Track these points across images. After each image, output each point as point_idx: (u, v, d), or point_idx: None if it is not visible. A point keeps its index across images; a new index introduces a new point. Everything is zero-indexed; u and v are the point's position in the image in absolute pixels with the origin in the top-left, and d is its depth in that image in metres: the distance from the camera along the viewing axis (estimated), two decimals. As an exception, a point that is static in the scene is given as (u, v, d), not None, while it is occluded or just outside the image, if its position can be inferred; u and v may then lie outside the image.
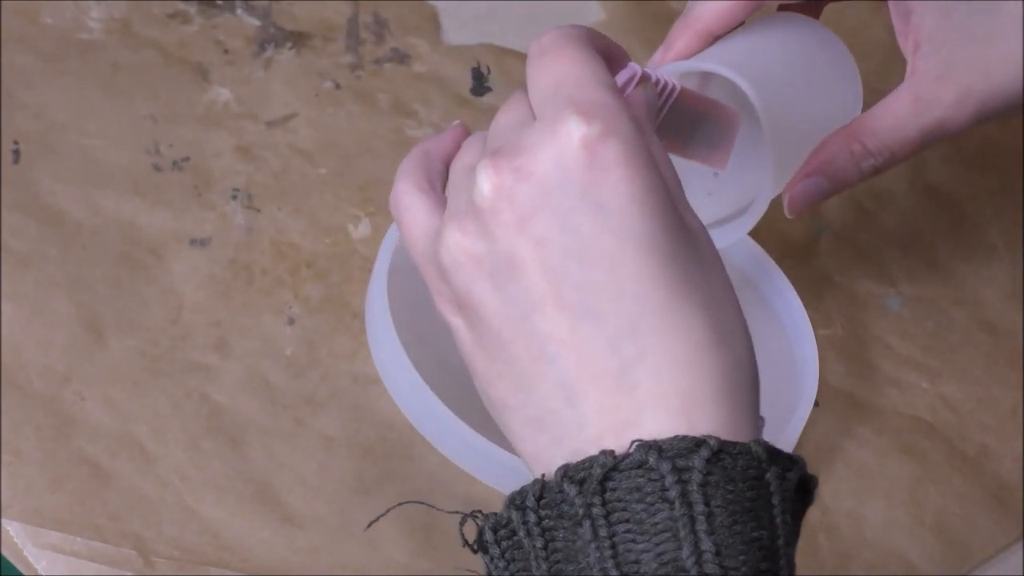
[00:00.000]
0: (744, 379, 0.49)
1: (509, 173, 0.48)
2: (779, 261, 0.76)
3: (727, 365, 0.48)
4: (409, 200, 0.54)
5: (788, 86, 0.63)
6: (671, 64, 0.62)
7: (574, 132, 0.48)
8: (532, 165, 0.48)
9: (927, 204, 0.84)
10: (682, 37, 0.64)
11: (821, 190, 0.64)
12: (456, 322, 0.51)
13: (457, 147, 0.56)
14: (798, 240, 0.80)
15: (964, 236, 0.83)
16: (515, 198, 0.48)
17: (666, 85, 0.57)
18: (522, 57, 0.83)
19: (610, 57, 0.53)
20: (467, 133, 0.57)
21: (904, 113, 0.62)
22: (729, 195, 0.68)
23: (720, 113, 0.59)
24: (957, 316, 0.79)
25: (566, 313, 0.48)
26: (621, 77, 0.54)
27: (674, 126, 0.59)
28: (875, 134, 0.63)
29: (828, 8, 0.70)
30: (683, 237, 0.49)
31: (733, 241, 0.66)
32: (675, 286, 0.48)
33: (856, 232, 0.81)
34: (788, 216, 0.64)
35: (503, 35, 0.84)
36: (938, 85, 0.62)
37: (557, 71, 0.50)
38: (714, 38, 0.63)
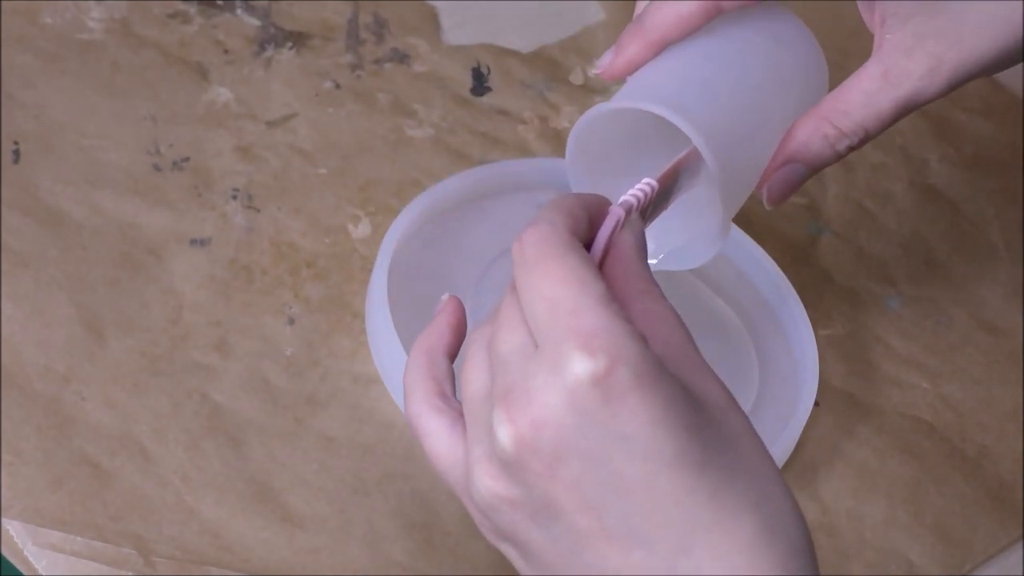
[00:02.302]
0: (798, 555, 0.49)
1: (527, 426, 0.48)
2: (779, 261, 0.76)
3: (782, 553, 0.48)
4: (427, 424, 0.53)
5: (741, 103, 0.62)
6: (626, 99, 0.61)
7: (581, 371, 0.47)
8: (547, 414, 0.48)
9: (927, 204, 0.84)
10: (635, 43, 0.63)
11: (799, 176, 0.63)
12: (507, 549, 0.51)
13: (456, 334, 0.55)
14: (798, 240, 0.80)
15: (964, 236, 0.83)
16: (538, 448, 0.48)
17: (646, 195, 0.56)
18: (522, 57, 0.83)
19: (592, 213, 0.52)
20: (461, 308, 0.55)
21: (874, 89, 0.61)
22: (699, 210, 0.67)
23: (686, 162, 0.59)
24: (957, 316, 0.79)
25: (616, 544, 0.48)
26: (605, 229, 0.52)
27: (656, 205, 0.58)
28: (847, 114, 0.62)
29: (829, 11, 0.69)
30: (712, 434, 0.48)
31: (705, 261, 0.66)
32: (717, 491, 0.48)
33: (856, 232, 0.81)
34: (768, 207, 0.63)
35: (503, 35, 0.84)
36: (907, 58, 0.61)
37: (547, 292, 0.49)
38: (667, 44, 0.63)
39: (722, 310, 0.75)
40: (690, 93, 0.61)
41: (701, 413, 0.49)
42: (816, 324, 0.74)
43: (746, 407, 0.71)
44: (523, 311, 0.50)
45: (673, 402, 0.48)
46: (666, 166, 0.58)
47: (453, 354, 0.55)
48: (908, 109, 0.62)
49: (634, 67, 0.63)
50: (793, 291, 0.74)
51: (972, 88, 0.89)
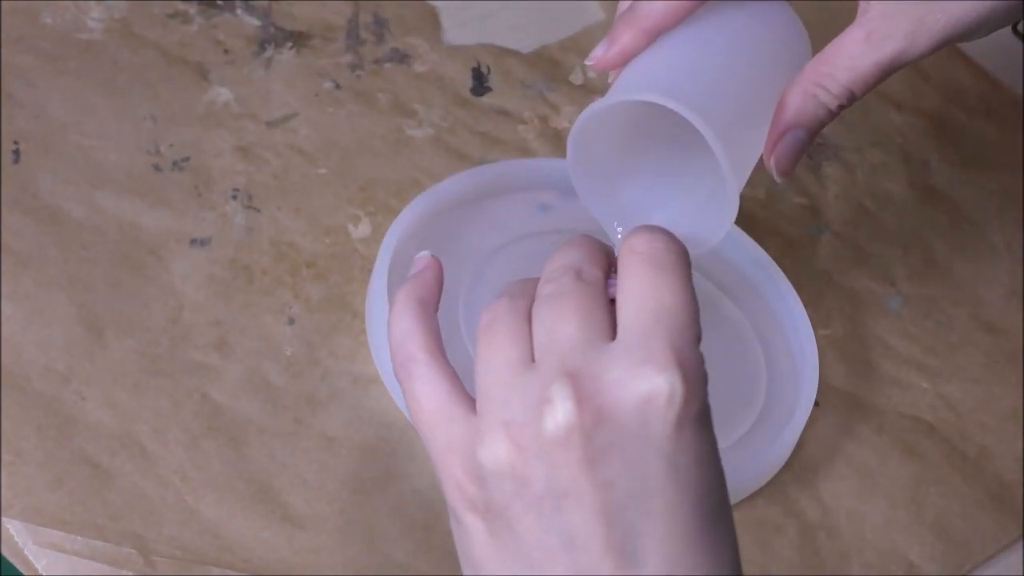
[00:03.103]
0: None
1: (591, 412, 0.48)
2: (779, 261, 0.76)
3: None
4: (422, 372, 0.52)
5: (735, 84, 0.63)
6: (618, 93, 0.61)
7: (664, 388, 0.48)
8: (616, 409, 0.48)
9: (927, 204, 0.84)
10: (628, 33, 0.63)
11: (801, 141, 0.63)
12: (472, 520, 0.50)
13: (439, 291, 0.55)
14: (798, 240, 0.80)
15: (964, 236, 0.83)
16: (591, 438, 0.48)
17: None
18: (522, 57, 0.83)
19: None
20: (441, 266, 0.55)
21: (857, 52, 0.62)
22: (702, 191, 0.67)
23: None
24: (957, 316, 0.79)
25: (612, 554, 0.48)
26: None
27: None
28: (832, 76, 0.62)
29: (831, 12, 0.69)
30: (724, 489, 0.50)
31: (716, 242, 0.66)
32: (717, 544, 0.49)
33: (856, 232, 0.81)
34: (778, 179, 0.63)
35: (503, 35, 0.84)
36: (889, 20, 0.61)
37: (664, 293, 0.49)
38: (659, 33, 0.63)
39: (733, 313, 0.75)
40: (683, 78, 0.61)
41: (722, 470, 0.50)
42: (816, 324, 0.74)
43: (755, 409, 0.72)
44: (607, 304, 0.50)
45: (714, 448, 0.49)
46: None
47: (436, 310, 0.54)
48: (891, 70, 0.62)
49: (627, 57, 0.63)
50: (793, 291, 0.74)
51: (972, 88, 0.89)
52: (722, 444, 0.70)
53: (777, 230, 0.80)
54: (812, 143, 0.64)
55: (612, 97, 0.60)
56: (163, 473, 0.65)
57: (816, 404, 0.72)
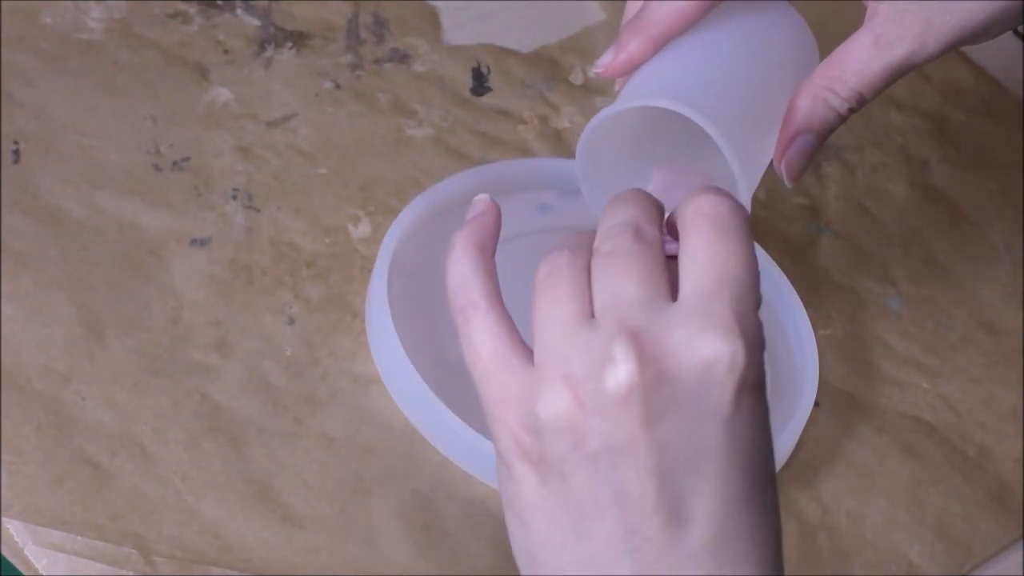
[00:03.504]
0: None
1: (652, 373, 0.48)
2: (779, 261, 0.76)
3: None
4: (483, 319, 0.52)
5: (744, 89, 0.63)
6: (630, 99, 0.61)
7: (726, 354, 0.48)
8: (677, 371, 0.48)
9: (927, 204, 0.84)
10: (635, 40, 0.63)
11: (811, 146, 0.63)
12: (524, 470, 0.50)
13: (497, 236, 0.55)
14: (798, 240, 0.80)
15: (964, 236, 0.83)
16: (651, 399, 0.48)
17: None
18: (522, 57, 0.83)
19: None
20: (498, 209, 0.56)
21: (866, 56, 0.62)
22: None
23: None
24: (957, 316, 0.79)
25: (661, 513, 0.48)
26: None
27: None
28: (842, 80, 0.62)
29: (835, 14, 0.69)
30: (772, 455, 0.50)
31: None
32: (763, 512, 0.49)
33: (856, 232, 0.81)
34: (789, 184, 0.64)
35: (503, 35, 0.84)
36: (898, 24, 0.61)
37: (729, 257, 0.50)
38: (667, 40, 0.63)
39: None
40: (693, 84, 0.61)
41: (771, 436, 0.51)
42: (816, 324, 0.74)
43: None
44: (666, 264, 0.50)
45: (768, 418, 0.50)
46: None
47: (494, 254, 0.54)
48: (900, 73, 0.63)
49: (635, 65, 0.63)
50: (793, 291, 0.74)
51: (972, 88, 0.89)
52: None
53: (777, 230, 0.80)
54: (822, 147, 0.64)
55: (623, 103, 0.60)
56: (163, 473, 0.65)
57: (816, 404, 0.72)
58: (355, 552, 0.65)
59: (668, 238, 0.53)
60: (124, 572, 0.62)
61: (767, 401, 0.50)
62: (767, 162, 0.64)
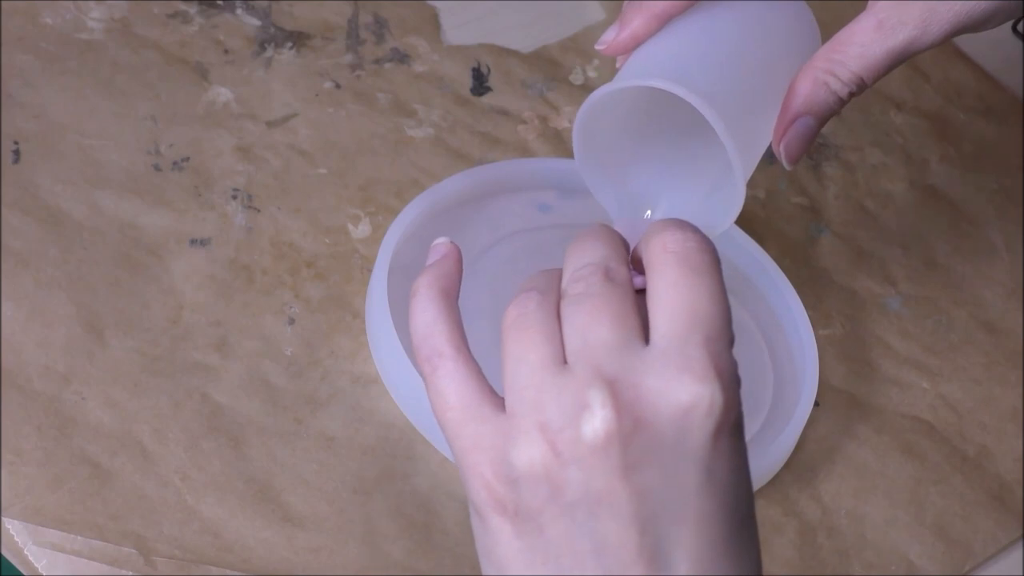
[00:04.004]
0: None
1: (630, 421, 0.47)
2: (779, 261, 0.76)
3: None
4: (449, 368, 0.51)
5: (742, 69, 0.63)
6: (626, 78, 0.61)
7: (704, 398, 0.48)
8: (654, 418, 0.48)
9: (927, 204, 0.84)
10: (638, 17, 0.63)
11: (810, 129, 0.63)
12: (499, 522, 0.49)
13: (459, 280, 0.54)
14: (798, 240, 0.80)
15: (964, 236, 0.83)
16: (629, 446, 0.47)
17: None
18: (522, 57, 0.83)
19: None
20: (459, 253, 0.54)
21: (868, 40, 0.62)
22: (710, 178, 0.67)
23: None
24: (957, 316, 0.79)
25: (643, 562, 0.48)
26: None
27: None
28: (843, 64, 0.62)
29: (836, 11, 0.69)
30: (751, 493, 0.50)
31: (725, 229, 0.66)
32: (744, 551, 0.49)
33: (856, 232, 0.81)
34: (788, 167, 0.63)
35: (503, 35, 0.84)
36: (901, 9, 0.61)
37: (700, 298, 0.49)
38: (670, 18, 0.63)
39: (739, 316, 0.75)
40: (691, 65, 0.61)
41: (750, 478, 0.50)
42: (816, 324, 0.74)
43: (763, 411, 0.71)
44: (636, 304, 0.49)
45: (746, 456, 0.50)
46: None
47: (457, 299, 0.54)
48: (902, 58, 0.62)
49: (637, 41, 0.63)
50: (793, 291, 0.74)
51: (972, 88, 0.89)
52: None
53: (777, 230, 0.80)
54: (821, 130, 0.64)
55: (620, 82, 0.60)
56: (163, 473, 0.65)
57: (816, 404, 0.72)
58: (355, 552, 0.65)
59: (634, 272, 0.52)
60: (124, 572, 0.62)
61: (745, 443, 0.50)
62: (766, 144, 0.64)
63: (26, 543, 0.62)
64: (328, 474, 0.66)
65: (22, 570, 0.62)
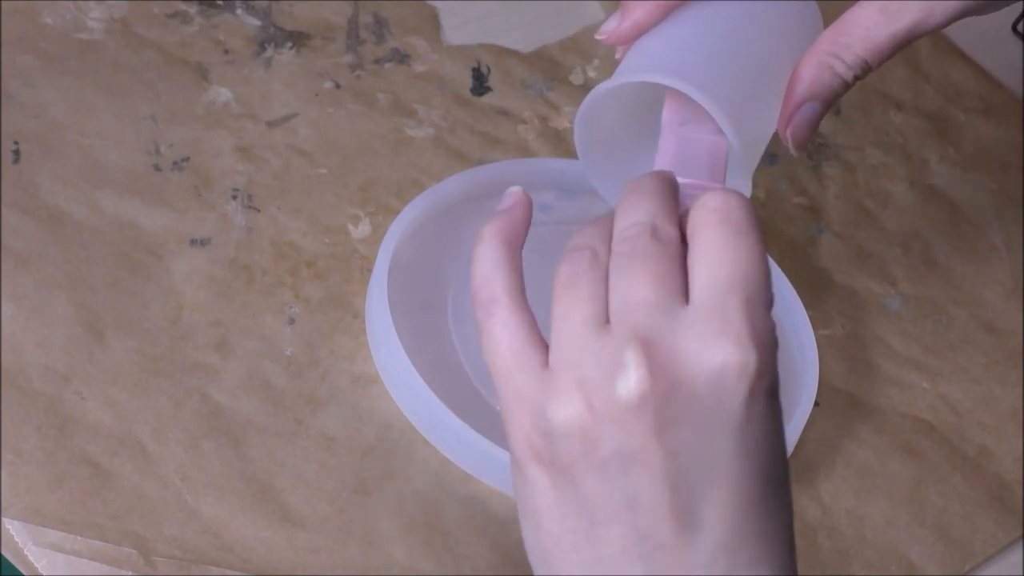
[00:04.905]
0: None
1: (663, 381, 0.48)
2: (779, 261, 0.76)
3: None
4: (507, 317, 0.51)
5: (744, 59, 0.63)
6: (626, 73, 0.61)
7: (738, 361, 0.48)
8: (689, 379, 0.48)
9: (927, 204, 0.84)
10: (640, 7, 0.63)
11: (816, 113, 0.63)
12: (536, 472, 0.50)
13: (526, 231, 0.54)
14: (798, 240, 0.80)
15: (964, 236, 0.83)
16: (663, 407, 0.48)
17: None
18: (522, 57, 0.83)
19: None
20: (530, 202, 0.55)
21: (873, 23, 0.61)
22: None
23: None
24: (957, 316, 0.79)
25: (674, 520, 0.48)
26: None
27: None
28: (848, 47, 0.62)
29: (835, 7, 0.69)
30: (785, 456, 0.50)
31: None
32: (776, 513, 0.49)
33: (856, 232, 0.81)
34: (794, 152, 0.63)
35: (503, 35, 0.84)
36: None
37: (734, 263, 0.49)
38: (671, 8, 0.63)
39: None
40: (693, 56, 0.61)
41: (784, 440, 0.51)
42: (816, 324, 0.74)
43: None
44: (682, 263, 0.49)
45: (781, 423, 0.50)
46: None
47: (521, 248, 0.54)
48: (906, 41, 0.62)
49: (639, 31, 0.63)
50: (793, 291, 0.74)
51: (972, 88, 0.89)
52: None
53: (777, 230, 0.80)
54: (825, 114, 0.63)
55: (620, 77, 0.60)
56: (163, 473, 0.65)
57: (816, 404, 0.72)
58: (355, 552, 0.65)
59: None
60: (124, 572, 0.62)
61: (780, 406, 0.50)
62: (771, 133, 0.64)
63: (26, 543, 0.62)
64: (328, 474, 0.66)
65: (22, 570, 0.62)
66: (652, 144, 0.64)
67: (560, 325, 0.50)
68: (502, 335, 0.51)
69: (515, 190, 0.56)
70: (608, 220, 0.53)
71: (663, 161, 0.60)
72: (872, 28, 0.61)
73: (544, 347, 0.51)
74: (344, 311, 0.71)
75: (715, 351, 0.48)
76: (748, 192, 0.63)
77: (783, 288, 0.75)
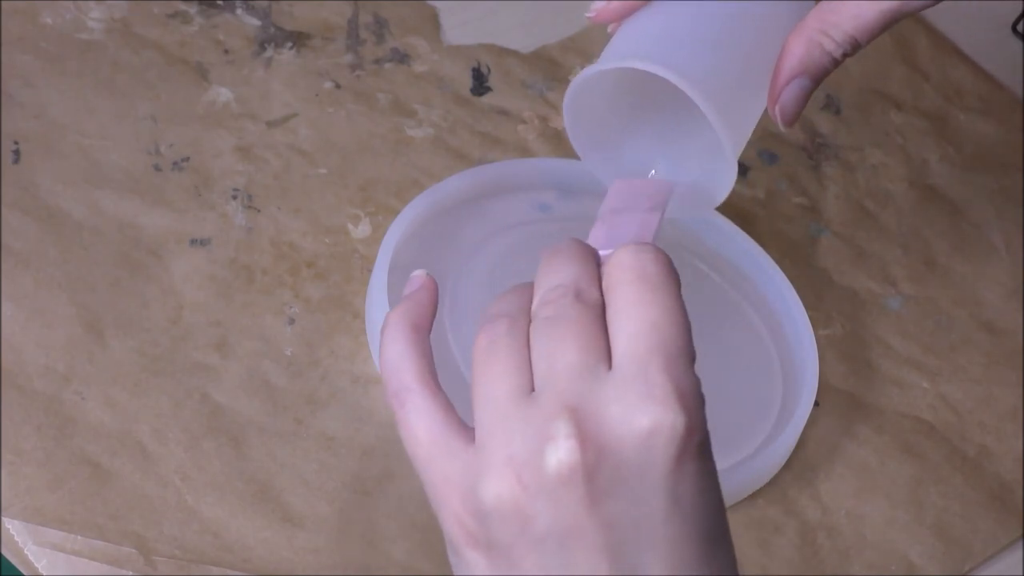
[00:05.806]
0: None
1: (592, 450, 0.47)
2: (779, 261, 0.76)
3: None
4: (419, 403, 0.51)
5: (729, 38, 0.62)
6: (610, 59, 0.61)
7: (666, 423, 0.47)
8: (618, 446, 0.47)
9: (927, 204, 0.84)
10: None
11: (805, 90, 0.62)
12: (473, 556, 0.49)
13: (433, 315, 0.53)
14: (798, 240, 0.80)
15: (964, 236, 0.83)
16: (594, 477, 0.47)
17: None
18: (522, 57, 0.83)
19: None
20: (437, 289, 0.54)
21: (861, 1, 0.61)
22: (705, 147, 0.67)
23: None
24: (957, 316, 0.79)
25: None
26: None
27: None
28: (837, 25, 0.61)
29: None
30: (723, 512, 0.50)
31: (719, 203, 0.65)
32: (717, 570, 0.49)
33: (856, 232, 0.81)
34: (783, 128, 0.63)
35: (503, 35, 0.84)
36: None
37: (658, 316, 0.49)
38: None
39: (750, 317, 0.75)
40: (678, 41, 0.61)
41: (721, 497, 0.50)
42: (816, 324, 0.74)
43: (772, 411, 0.71)
44: (604, 324, 0.49)
45: (716, 480, 0.49)
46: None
47: (429, 332, 0.53)
48: (895, 19, 0.62)
49: (628, 10, 0.63)
50: (793, 291, 0.74)
51: (972, 88, 0.89)
52: (737, 448, 0.70)
53: (777, 230, 0.80)
54: (814, 90, 0.63)
55: (605, 63, 0.61)
56: (163, 473, 0.65)
57: (816, 404, 0.72)
58: (355, 552, 0.65)
59: None
60: (124, 572, 0.62)
61: (713, 461, 0.49)
62: (759, 112, 0.64)
63: (26, 543, 0.62)
64: (328, 474, 0.66)
65: (22, 570, 0.62)
66: (643, 122, 0.64)
67: (482, 399, 0.49)
68: (418, 423, 0.50)
69: (419, 273, 0.55)
70: (524, 288, 0.52)
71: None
72: (862, 5, 0.61)
73: (464, 427, 0.50)
74: (344, 311, 0.71)
75: (642, 416, 0.47)
76: (733, 175, 0.63)
77: (783, 288, 0.75)
